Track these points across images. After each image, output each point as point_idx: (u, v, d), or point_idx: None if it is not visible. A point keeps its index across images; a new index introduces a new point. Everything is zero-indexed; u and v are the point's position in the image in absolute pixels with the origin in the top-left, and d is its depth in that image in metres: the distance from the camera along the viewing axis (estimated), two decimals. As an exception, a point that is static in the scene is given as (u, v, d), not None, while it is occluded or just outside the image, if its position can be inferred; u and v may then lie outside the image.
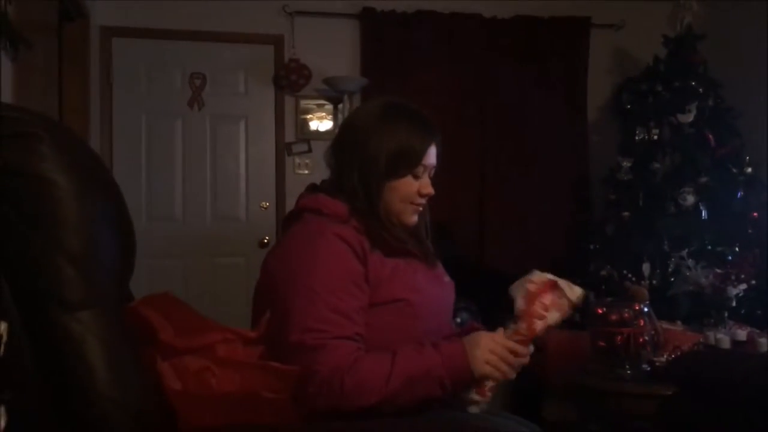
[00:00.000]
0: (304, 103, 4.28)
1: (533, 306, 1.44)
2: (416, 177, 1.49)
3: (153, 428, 1.19)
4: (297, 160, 4.27)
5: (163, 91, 4.17)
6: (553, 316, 1.45)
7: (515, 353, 1.40)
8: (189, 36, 4.15)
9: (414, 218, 1.53)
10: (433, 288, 1.52)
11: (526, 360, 1.43)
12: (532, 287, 1.46)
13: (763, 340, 2.57)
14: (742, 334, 2.65)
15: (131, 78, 4.12)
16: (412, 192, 1.49)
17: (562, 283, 1.47)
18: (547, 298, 1.45)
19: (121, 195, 1.41)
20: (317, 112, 4.31)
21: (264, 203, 4.25)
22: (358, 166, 1.47)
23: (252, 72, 4.27)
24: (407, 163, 1.47)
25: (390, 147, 1.46)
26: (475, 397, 1.45)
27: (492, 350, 1.39)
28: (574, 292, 1.47)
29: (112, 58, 4.08)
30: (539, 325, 1.44)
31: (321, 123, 4.31)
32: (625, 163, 3.87)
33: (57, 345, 1.15)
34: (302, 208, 1.51)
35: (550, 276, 1.48)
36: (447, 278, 1.61)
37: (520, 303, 1.45)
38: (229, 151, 4.26)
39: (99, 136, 4.00)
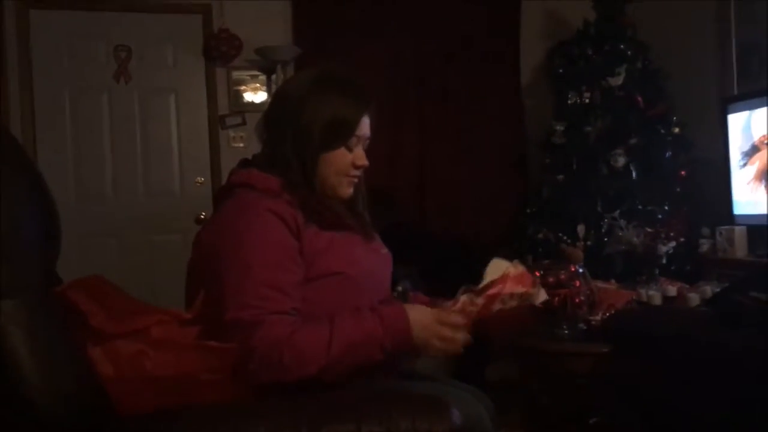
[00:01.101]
0: (237, 75, 4.18)
1: (503, 289, 1.41)
2: (350, 149, 1.48)
3: (89, 414, 1.16)
4: (231, 133, 4.18)
5: (86, 64, 4.00)
6: (509, 305, 1.43)
7: (455, 327, 1.40)
8: (112, 6, 3.99)
9: (349, 190, 1.52)
10: (371, 260, 1.51)
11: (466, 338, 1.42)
12: (512, 272, 1.43)
13: (692, 295, 2.66)
14: (672, 289, 2.73)
15: (52, 52, 3.93)
16: (346, 164, 1.48)
17: (538, 284, 1.46)
18: (519, 290, 1.42)
19: (41, 177, 1.35)
20: (250, 83, 4.21)
21: (199, 179, 4.16)
22: (291, 139, 1.45)
23: (180, 43, 4.13)
24: (340, 135, 1.46)
25: (323, 118, 1.44)
26: None
27: (438, 335, 1.38)
28: (540, 297, 1.46)
29: (30, 31, 3.88)
30: (495, 307, 1.42)
31: (255, 95, 4.22)
32: (558, 127, 3.93)
33: (-21, 335, 1.10)
34: (234, 184, 1.48)
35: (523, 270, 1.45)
36: (384, 250, 1.60)
37: (490, 279, 1.42)
38: (159, 126, 4.13)
39: (20, 115, 3.82)
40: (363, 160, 1.50)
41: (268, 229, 1.36)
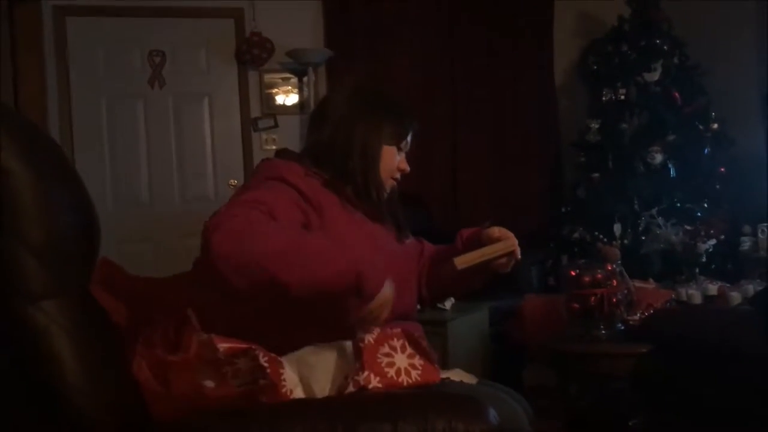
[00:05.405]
0: (269, 78, 4.21)
1: None
2: (399, 150, 1.57)
3: (128, 417, 1.17)
4: (264, 135, 4.21)
5: (121, 70, 4.06)
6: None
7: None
8: (146, 12, 4.03)
9: (387, 191, 1.58)
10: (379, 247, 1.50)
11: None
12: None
13: (733, 294, 2.61)
14: (713, 288, 2.69)
15: (88, 59, 4.00)
16: (393, 165, 1.57)
17: None
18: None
19: (80, 180, 1.37)
20: (282, 86, 4.24)
21: (233, 181, 4.19)
22: (362, 131, 1.52)
23: (213, 47, 4.17)
24: (399, 132, 1.55)
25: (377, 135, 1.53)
26: None
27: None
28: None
29: (67, 39, 3.95)
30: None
31: (287, 97, 4.24)
32: (593, 125, 3.88)
33: (22, 337, 1.12)
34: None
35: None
36: (410, 240, 1.64)
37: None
38: (194, 130, 4.18)
39: (58, 121, 3.90)
40: (406, 165, 1.60)
41: (276, 190, 1.39)
